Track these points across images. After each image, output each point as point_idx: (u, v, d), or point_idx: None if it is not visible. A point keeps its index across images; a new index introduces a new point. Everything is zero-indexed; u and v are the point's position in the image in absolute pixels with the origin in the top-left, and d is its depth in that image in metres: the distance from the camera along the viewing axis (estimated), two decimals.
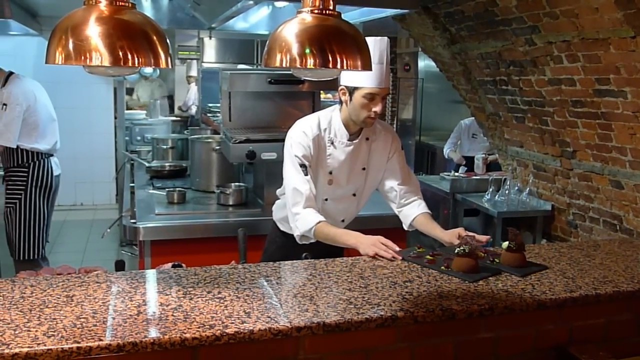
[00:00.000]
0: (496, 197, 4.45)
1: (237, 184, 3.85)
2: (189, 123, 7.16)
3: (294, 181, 2.62)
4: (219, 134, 4.48)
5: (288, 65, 1.70)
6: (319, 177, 2.72)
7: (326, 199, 2.77)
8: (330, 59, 1.68)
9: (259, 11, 5.18)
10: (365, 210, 3.67)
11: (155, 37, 1.59)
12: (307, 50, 1.68)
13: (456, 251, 2.21)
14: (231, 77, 3.55)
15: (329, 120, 2.73)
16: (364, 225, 3.59)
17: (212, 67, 6.06)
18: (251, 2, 3.93)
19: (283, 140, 3.46)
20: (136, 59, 1.54)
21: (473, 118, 6.15)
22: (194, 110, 7.32)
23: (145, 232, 3.31)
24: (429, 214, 2.85)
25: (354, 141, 2.72)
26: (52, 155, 4.15)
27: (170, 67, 1.62)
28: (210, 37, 5.85)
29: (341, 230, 2.62)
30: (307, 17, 1.74)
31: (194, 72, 7.81)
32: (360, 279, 2.11)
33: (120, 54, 1.53)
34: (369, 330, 1.81)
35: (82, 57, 1.52)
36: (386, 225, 3.66)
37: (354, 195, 2.83)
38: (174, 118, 7.20)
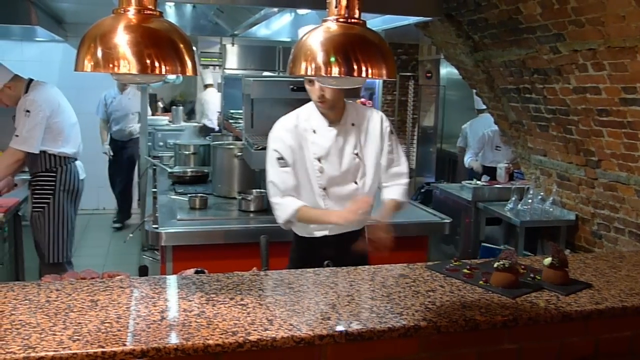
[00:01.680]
0: (519, 206, 4.41)
1: (258, 190, 3.85)
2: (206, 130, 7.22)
3: (271, 174, 2.78)
4: (241, 140, 4.50)
5: (313, 73, 1.71)
6: (307, 165, 2.78)
7: (324, 188, 2.79)
8: (355, 67, 1.69)
9: (281, 18, 5.22)
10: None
11: (181, 45, 1.61)
12: (332, 59, 1.69)
13: (495, 265, 2.16)
14: (254, 84, 3.57)
15: (309, 111, 2.87)
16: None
17: (234, 74, 6.10)
18: (274, 10, 3.96)
19: None
20: (163, 67, 1.56)
21: (497, 129, 6.11)
22: (211, 122, 7.34)
23: (167, 237, 3.33)
24: (398, 201, 2.97)
25: (336, 126, 2.80)
26: (77, 159, 4.20)
27: (196, 74, 1.64)
28: (233, 44, 5.89)
29: (322, 211, 2.76)
30: (332, 25, 1.75)
31: (209, 80, 7.87)
32: (382, 288, 2.10)
33: (148, 62, 1.54)
34: (392, 339, 1.80)
35: (111, 65, 1.54)
36: (408, 234, 3.66)
37: (356, 183, 2.85)
38: (196, 124, 7.25)
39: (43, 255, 4.07)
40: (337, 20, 1.75)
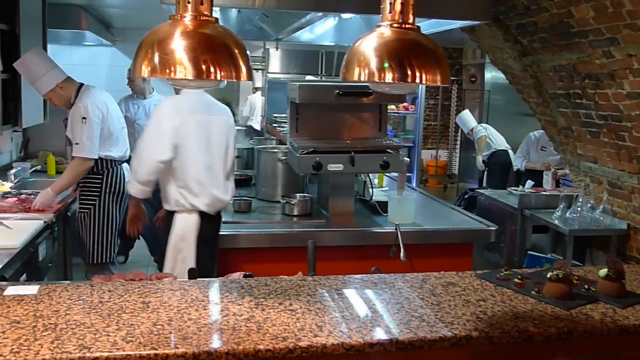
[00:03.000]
0: (567, 214, 4.31)
1: (302, 194, 3.86)
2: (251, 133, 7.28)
3: None
4: (284, 144, 4.51)
5: (366, 79, 1.70)
6: None
7: None
8: (409, 73, 1.67)
9: (325, 22, 5.22)
10: (428, 224, 3.65)
11: (236, 51, 1.62)
12: (386, 65, 1.68)
13: (549, 276, 2.11)
14: (299, 89, 3.57)
15: None
16: (426, 239, 3.55)
17: (277, 78, 6.13)
18: (319, 14, 3.97)
19: (349, 152, 3.49)
20: (218, 72, 1.58)
21: (543, 130, 6.03)
22: (255, 124, 7.37)
23: None
24: None
25: None
26: (124, 162, 4.28)
27: (251, 79, 1.64)
28: (277, 48, 5.92)
29: None
30: (386, 31, 1.73)
31: (259, 83, 7.93)
32: (431, 296, 2.08)
33: (204, 67, 1.56)
34: (442, 349, 1.77)
35: (167, 71, 1.56)
36: (451, 240, 3.61)
37: None
38: (240, 127, 7.31)
39: (88, 255, 4.15)
40: (390, 25, 1.74)
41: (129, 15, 6.35)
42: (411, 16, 1.74)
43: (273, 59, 6.41)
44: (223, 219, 3.53)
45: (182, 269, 3.06)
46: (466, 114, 7.21)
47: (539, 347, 1.86)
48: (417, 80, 1.68)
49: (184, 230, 3.21)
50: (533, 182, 5.39)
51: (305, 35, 5.69)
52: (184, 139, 3.15)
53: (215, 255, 3.33)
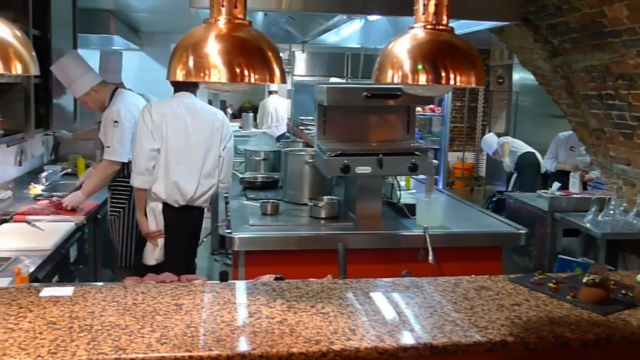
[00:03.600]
0: (599, 217, 4.24)
1: (329, 197, 3.85)
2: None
3: None
4: (311, 146, 4.51)
5: (399, 81, 1.69)
6: None
7: None
8: (443, 75, 1.66)
9: (352, 24, 5.21)
10: (456, 227, 3.61)
11: (270, 54, 1.62)
12: (420, 67, 1.67)
13: (585, 280, 2.07)
14: (328, 91, 3.56)
15: None
16: (455, 242, 3.52)
17: (303, 80, 6.14)
18: (345, 17, 3.96)
19: (377, 154, 3.47)
20: (252, 75, 1.58)
21: (572, 131, 5.96)
22: (267, 129, 7.36)
23: (240, 242, 3.36)
24: None
25: None
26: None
27: (284, 82, 1.64)
28: (303, 51, 5.93)
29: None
30: (419, 32, 1.72)
31: (274, 87, 7.95)
32: (464, 300, 2.05)
33: (238, 70, 1.57)
34: (477, 354, 1.75)
35: (202, 74, 1.57)
36: (480, 243, 3.57)
37: None
38: (266, 130, 7.35)
39: (117, 258, 4.19)
40: (424, 27, 1.72)
41: (156, 19, 6.42)
42: (445, 17, 1.73)
43: (298, 61, 6.42)
44: (251, 222, 3.55)
45: (154, 254, 3.86)
46: (490, 136, 7.18)
47: (575, 353, 1.82)
48: (452, 82, 1.67)
49: (152, 218, 3.81)
50: (560, 185, 5.32)
51: (331, 38, 5.69)
52: (164, 134, 3.72)
53: (184, 247, 3.94)
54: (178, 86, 3.85)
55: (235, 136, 7.19)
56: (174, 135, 3.72)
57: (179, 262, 3.79)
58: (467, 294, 2.12)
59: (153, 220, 3.81)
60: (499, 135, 8.08)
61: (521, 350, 1.77)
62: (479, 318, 1.90)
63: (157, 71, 7.05)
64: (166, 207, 3.78)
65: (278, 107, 8.03)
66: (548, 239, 4.65)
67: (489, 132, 7.73)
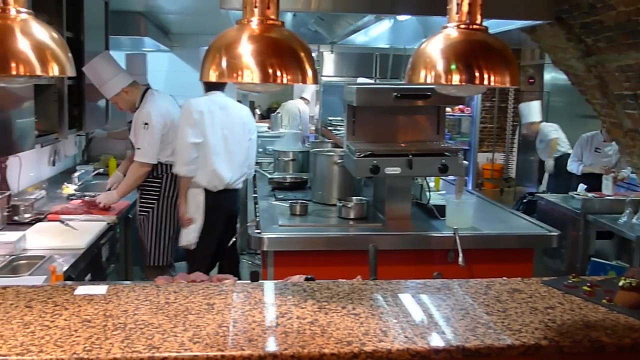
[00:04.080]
0: (634, 220, 4.15)
1: (358, 197, 3.84)
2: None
3: None
4: (339, 147, 4.50)
5: (433, 81, 1.68)
6: None
7: None
8: (477, 75, 1.64)
9: (380, 25, 5.19)
10: (487, 228, 3.57)
11: (302, 54, 1.62)
12: (453, 66, 1.65)
13: (621, 284, 2.03)
14: (357, 92, 3.56)
15: None
16: (485, 244, 3.48)
17: (331, 81, 6.14)
18: (374, 18, 3.95)
19: (407, 155, 3.45)
20: (285, 76, 1.58)
21: (597, 131, 5.87)
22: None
23: (269, 242, 3.37)
24: None
25: None
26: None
27: (317, 83, 1.64)
28: (332, 52, 5.93)
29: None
30: (452, 32, 1.71)
31: (307, 95, 7.94)
32: (497, 303, 2.03)
33: (270, 71, 1.57)
34: (510, 357, 1.73)
35: (235, 75, 1.58)
36: (510, 245, 3.53)
37: None
38: (295, 131, 7.35)
39: (146, 258, 4.24)
40: (457, 26, 1.71)
41: (186, 20, 6.48)
42: (479, 16, 1.71)
43: (327, 62, 6.42)
44: (280, 222, 3.56)
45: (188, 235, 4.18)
46: (535, 104, 6.90)
47: (611, 358, 1.79)
48: (486, 82, 1.65)
49: (194, 203, 4.17)
50: (586, 186, 5.23)
51: (359, 38, 5.67)
52: (202, 130, 4.10)
53: (222, 228, 4.32)
54: (209, 86, 4.22)
55: (263, 137, 7.27)
56: (211, 130, 4.14)
57: (211, 244, 4.26)
58: (500, 296, 2.09)
59: (193, 205, 4.15)
60: (530, 137, 7.94)
61: (556, 355, 1.75)
62: (512, 321, 1.87)
63: (187, 72, 7.11)
64: (206, 192, 4.19)
65: (303, 110, 8.04)
66: (580, 241, 4.57)
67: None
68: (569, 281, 2.23)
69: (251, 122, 4.53)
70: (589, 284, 2.17)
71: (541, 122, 6.87)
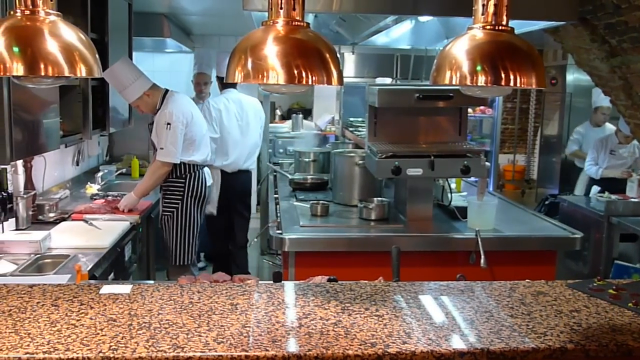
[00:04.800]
0: None
1: (379, 198, 3.83)
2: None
3: None
4: (360, 147, 4.50)
5: (458, 82, 1.67)
6: None
7: None
8: (503, 76, 1.63)
9: (401, 26, 5.17)
10: (509, 230, 3.54)
11: (328, 55, 1.63)
12: (479, 68, 1.64)
13: None
14: (379, 93, 3.55)
15: None
16: (507, 246, 3.45)
17: (352, 82, 6.13)
18: (396, 18, 3.93)
19: (429, 156, 3.44)
20: (310, 77, 1.58)
21: (611, 133, 5.80)
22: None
23: (290, 243, 3.38)
24: None
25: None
26: (205, 166, 4.39)
27: (342, 84, 1.64)
28: (353, 52, 5.93)
29: None
30: (478, 33, 1.70)
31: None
32: (521, 305, 2.01)
33: (296, 72, 1.57)
34: None
35: (260, 76, 1.59)
36: (532, 247, 3.49)
37: None
38: (316, 131, 7.37)
39: (170, 257, 4.27)
40: (483, 27, 1.70)
41: (208, 22, 6.51)
42: (505, 17, 1.70)
43: (348, 62, 6.42)
44: (301, 223, 3.57)
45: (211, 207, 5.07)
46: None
47: None
48: (512, 84, 1.64)
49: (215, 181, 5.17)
50: (599, 188, 5.16)
51: (380, 39, 5.66)
52: (222, 124, 5.27)
53: (237, 202, 5.55)
54: (224, 84, 5.24)
55: (284, 137, 7.28)
56: (229, 124, 5.29)
57: (228, 214, 5.47)
58: (524, 299, 2.08)
59: (212, 182, 5.11)
60: (552, 138, 7.84)
61: (581, 358, 1.73)
62: (537, 324, 1.86)
63: None
64: (222, 172, 5.27)
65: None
66: (604, 243, 4.52)
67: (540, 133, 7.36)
68: (594, 284, 2.20)
69: (261, 111, 5.68)
70: (614, 287, 2.15)
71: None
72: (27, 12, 1.65)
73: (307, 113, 8.76)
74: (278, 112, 9.03)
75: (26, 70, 1.59)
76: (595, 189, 5.14)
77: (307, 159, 5.08)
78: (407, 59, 5.76)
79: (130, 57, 4.86)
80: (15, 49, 1.58)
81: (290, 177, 4.75)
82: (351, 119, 5.57)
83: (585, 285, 2.20)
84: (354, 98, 5.73)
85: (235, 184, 5.42)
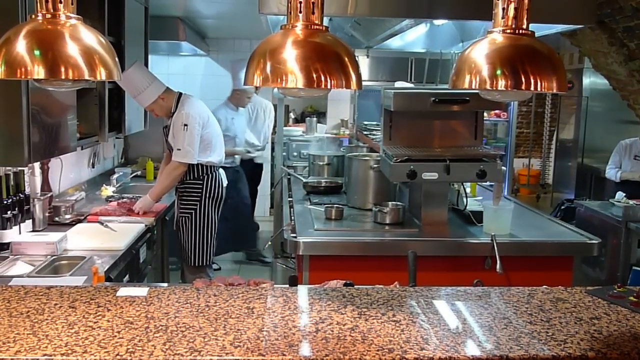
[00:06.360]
0: None
1: (394, 202, 3.82)
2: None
3: None
4: (375, 151, 4.49)
5: (477, 87, 1.66)
6: None
7: None
8: (523, 80, 1.62)
9: (416, 29, 5.16)
10: (525, 235, 3.51)
11: (346, 59, 1.62)
12: (499, 72, 1.63)
13: None
14: (395, 96, 3.54)
15: None
16: (523, 251, 3.42)
17: (366, 85, 6.11)
18: (411, 22, 3.92)
19: (444, 160, 3.42)
20: (329, 81, 1.58)
21: (636, 138, 5.73)
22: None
23: (305, 246, 3.37)
24: None
25: None
26: (220, 166, 4.41)
27: (361, 88, 1.64)
28: (367, 56, 5.92)
29: None
30: (498, 37, 1.69)
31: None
32: (540, 312, 1.99)
33: (315, 76, 1.57)
34: None
35: (279, 80, 1.58)
36: (549, 253, 3.46)
37: None
38: (330, 135, 7.37)
39: (187, 259, 4.28)
40: (503, 31, 1.68)
41: (223, 25, 6.54)
42: (525, 21, 1.68)
43: (362, 66, 6.40)
44: (316, 227, 3.56)
45: None
46: None
47: None
48: (532, 88, 1.62)
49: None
50: (624, 194, 5.10)
51: (395, 42, 5.66)
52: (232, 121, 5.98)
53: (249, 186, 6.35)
54: None
55: (298, 141, 7.29)
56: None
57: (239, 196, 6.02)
58: (543, 305, 2.05)
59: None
60: (567, 142, 7.78)
61: None
62: (556, 331, 1.83)
63: (223, 76, 7.17)
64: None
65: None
66: (621, 249, 4.47)
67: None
68: (614, 291, 2.17)
69: (269, 106, 6.55)
70: (635, 295, 2.12)
71: None
72: (48, 15, 1.66)
73: (321, 116, 8.77)
74: (292, 115, 9.04)
75: (47, 73, 1.60)
76: (620, 194, 5.07)
77: (321, 163, 5.08)
78: (422, 62, 5.73)
79: (146, 60, 4.89)
80: (37, 52, 1.59)
81: (304, 180, 4.74)
82: (365, 122, 5.56)
83: (605, 292, 2.18)
84: (368, 101, 5.73)
85: (245, 172, 6.22)
